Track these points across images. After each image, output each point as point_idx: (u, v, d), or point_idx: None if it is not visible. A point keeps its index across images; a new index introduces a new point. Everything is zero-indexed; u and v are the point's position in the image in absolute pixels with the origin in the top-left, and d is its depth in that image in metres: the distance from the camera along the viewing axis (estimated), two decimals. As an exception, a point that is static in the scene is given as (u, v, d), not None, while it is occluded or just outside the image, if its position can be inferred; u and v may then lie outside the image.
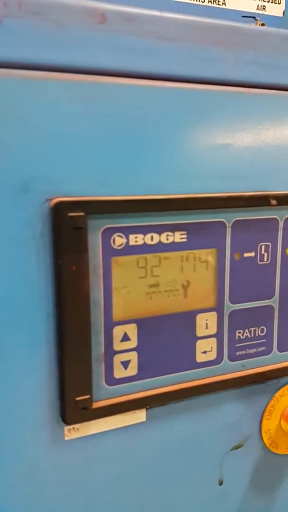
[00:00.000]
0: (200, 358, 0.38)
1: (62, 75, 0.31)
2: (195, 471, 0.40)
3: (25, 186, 0.30)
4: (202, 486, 0.41)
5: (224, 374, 0.39)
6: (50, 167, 0.31)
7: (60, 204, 0.30)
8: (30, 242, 0.31)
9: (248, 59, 0.37)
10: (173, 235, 0.35)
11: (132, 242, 0.34)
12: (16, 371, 0.32)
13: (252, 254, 0.38)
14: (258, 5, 0.80)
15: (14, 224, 0.30)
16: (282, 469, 0.45)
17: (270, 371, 0.40)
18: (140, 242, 0.34)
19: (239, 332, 0.39)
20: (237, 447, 0.42)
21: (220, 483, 0.42)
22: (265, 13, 0.84)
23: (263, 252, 0.38)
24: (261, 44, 0.38)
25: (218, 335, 0.38)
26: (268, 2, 0.78)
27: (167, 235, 0.35)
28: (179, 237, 0.35)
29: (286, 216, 0.39)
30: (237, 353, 0.39)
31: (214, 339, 0.38)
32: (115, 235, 0.33)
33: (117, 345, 0.34)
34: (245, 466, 0.43)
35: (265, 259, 0.38)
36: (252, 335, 0.39)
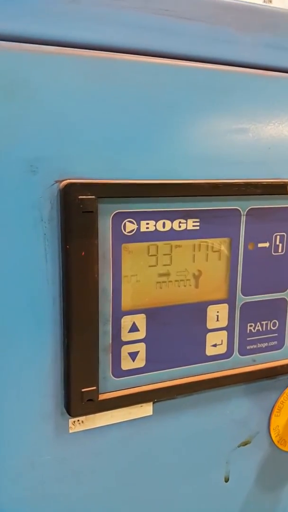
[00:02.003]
0: (210, 351, 0.36)
1: (75, 51, 0.29)
2: (201, 467, 0.39)
3: (34, 167, 0.29)
4: (207, 483, 0.40)
5: (234, 368, 0.37)
6: (60, 148, 0.29)
7: (69, 186, 0.29)
8: (38, 225, 0.29)
9: (266, 41, 0.35)
10: (186, 223, 0.34)
11: (143, 228, 0.32)
12: (20, 359, 0.31)
13: (267, 244, 0.37)
14: (265, -2, 0.79)
15: (22, 205, 0.29)
16: (289, 467, 0.44)
17: (281, 367, 0.39)
18: (152, 228, 0.33)
19: (251, 326, 0.38)
20: (244, 444, 0.41)
21: (226, 480, 0.41)
22: (272, 5, 0.83)
23: (278, 242, 0.37)
24: (279, 27, 0.36)
25: (229, 328, 0.37)
26: (274, -6, 0.76)
27: (180, 222, 0.33)
28: (192, 224, 0.34)
29: (302, 206, 0.37)
30: (248, 347, 0.38)
31: (225, 332, 0.37)
32: (126, 221, 0.32)
33: (125, 336, 0.33)
34: (252, 463, 0.42)
35: (280, 250, 0.37)
36: (264, 328, 0.38)
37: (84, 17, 0.30)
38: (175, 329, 0.35)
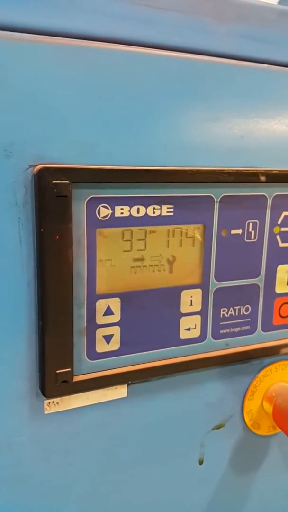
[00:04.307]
0: (183, 335, 0.37)
1: (50, 39, 0.30)
2: (175, 450, 0.40)
3: (8, 151, 0.29)
4: (182, 465, 0.41)
5: (207, 352, 0.38)
6: (34, 132, 0.30)
7: (43, 171, 0.30)
8: (13, 208, 0.30)
9: (240, 32, 0.36)
10: (160, 209, 0.34)
11: (117, 213, 0.33)
12: (-5, 342, 0.31)
13: (239, 231, 0.37)
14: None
15: (-4, 189, 0.29)
16: (263, 450, 0.45)
17: (254, 351, 0.40)
18: (126, 214, 0.33)
19: (224, 310, 0.38)
20: (218, 427, 0.42)
21: (201, 463, 0.42)
22: (260, 1, 0.84)
23: (250, 229, 0.38)
24: (254, 18, 0.37)
25: (203, 313, 0.38)
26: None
27: (154, 208, 0.34)
28: (166, 210, 0.34)
29: (275, 194, 0.38)
30: (221, 331, 0.39)
31: (198, 316, 0.37)
32: (100, 206, 0.32)
33: (100, 319, 0.34)
34: (225, 446, 0.43)
35: (252, 237, 0.38)
36: (237, 313, 0.39)
37: (59, 5, 0.30)
38: (150, 313, 0.35)
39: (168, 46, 0.34)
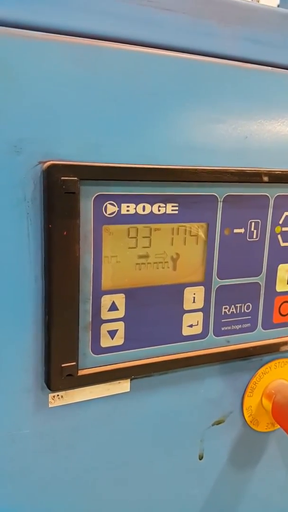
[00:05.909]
0: (186, 331, 0.38)
1: (60, 37, 0.30)
2: (176, 444, 0.41)
3: (18, 147, 0.30)
4: (182, 460, 0.41)
5: (209, 348, 0.39)
6: (44, 129, 0.30)
7: (52, 167, 0.30)
8: (21, 204, 0.30)
9: (244, 35, 0.37)
10: (165, 207, 0.35)
11: (123, 211, 0.33)
12: (1, 335, 0.32)
13: (242, 230, 0.38)
14: (252, -4, 0.81)
15: (6, 185, 0.30)
16: (261, 446, 0.46)
17: (254, 348, 0.41)
18: (132, 211, 0.34)
19: (225, 308, 0.39)
20: (218, 423, 0.42)
21: (200, 458, 0.42)
22: (260, 3, 0.85)
23: (252, 229, 0.38)
24: (259, 21, 0.38)
25: (205, 310, 0.38)
26: (262, -7, 0.78)
27: (159, 206, 0.35)
28: (170, 209, 0.35)
29: (277, 194, 0.39)
30: (223, 328, 0.39)
31: (200, 313, 0.38)
32: (107, 203, 0.33)
33: (105, 314, 0.34)
34: (225, 442, 0.44)
35: (254, 236, 0.39)
36: (238, 311, 0.40)
37: (70, 5, 0.31)
38: (153, 309, 0.36)
39: (174, 47, 0.35)
